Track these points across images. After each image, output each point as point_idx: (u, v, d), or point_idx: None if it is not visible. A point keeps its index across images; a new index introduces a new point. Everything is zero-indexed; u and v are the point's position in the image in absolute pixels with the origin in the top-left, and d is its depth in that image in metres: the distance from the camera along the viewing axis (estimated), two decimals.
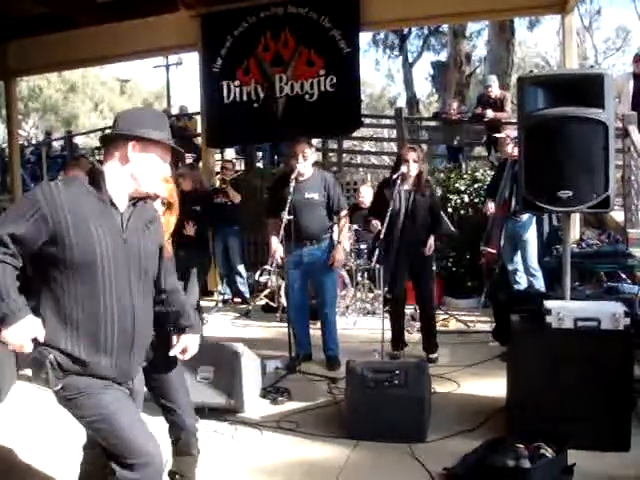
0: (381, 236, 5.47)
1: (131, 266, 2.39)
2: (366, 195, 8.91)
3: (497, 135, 7.87)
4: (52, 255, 2.27)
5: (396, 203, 5.67)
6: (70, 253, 2.25)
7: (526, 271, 6.69)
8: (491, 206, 6.86)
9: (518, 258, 6.80)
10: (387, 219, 5.45)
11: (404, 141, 11.18)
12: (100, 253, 2.28)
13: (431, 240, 5.77)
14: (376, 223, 5.66)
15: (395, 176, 5.67)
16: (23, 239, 2.23)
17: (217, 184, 8.81)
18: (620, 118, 7.72)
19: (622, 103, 9.11)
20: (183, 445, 3.21)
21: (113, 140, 2.43)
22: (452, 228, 7.50)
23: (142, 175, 2.41)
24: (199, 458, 3.30)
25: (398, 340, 6.01)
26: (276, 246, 5.63)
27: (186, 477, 3.24)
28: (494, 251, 6.59)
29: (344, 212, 5.88)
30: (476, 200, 8.65)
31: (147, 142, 2.40)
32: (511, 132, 7.04)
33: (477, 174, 9.18)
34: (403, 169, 5.66)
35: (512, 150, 6.54)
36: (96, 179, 2.38)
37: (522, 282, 6.80)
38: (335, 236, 5.96)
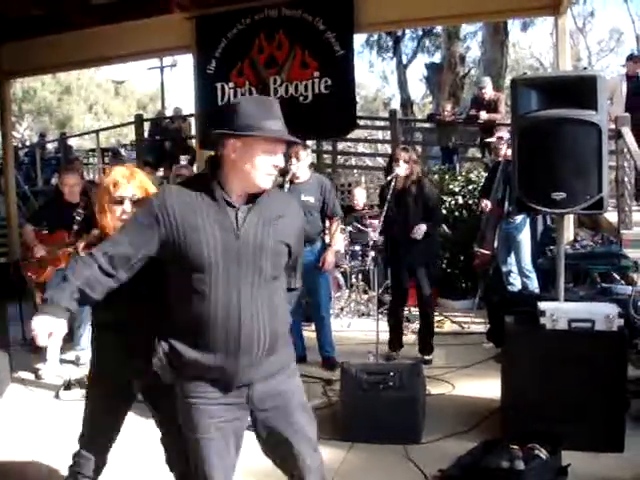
0: (375, 237, 5.49)
1: (243, 264, 2.27)
2: (360, 197, 8.93)
3: (489, 140, 7.86)
4: (165, 256, 2.31)
5: (392, 205, 5.69)
6: (180, 254, 2.25)
7: (520, 272, 6.70)
8: (486, 203, 6.82)
9: (512, 259, 6.82)
10: (382, 221, 5.47)
11: (398, 143, 11.21)
12: (207, 253, 2.23)
13: (422, 226, 5.68)
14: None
15: (389, 178, 5.71)
16: (125, 255, 2.29)
17: None
18: (613, 120, 7.74)
19: (615, 104, 9.14)
20: None
21: (220, 137, 2.35)
22: (445, 229, 7.51)
23: (248, 170, 2.30)
24: None
25: (395, 340, 6.01)
26: None
27: None
28: (488, 252, 6.60)
29: (337, 218, 5.94)
30: (470, 202, 8.66)
31: (246, 137, 2.28)
32: (503, 134, 7.05)
33: (471, 175, 9.20)
34: (397, 170, 5.69)
35: (506, 152, 6.55)
36: (210, 177, 2.34)
37: (516, 283, 6.81)
38: (327, 239, 5.98)
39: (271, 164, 2.31)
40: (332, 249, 5.87)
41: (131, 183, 2.74)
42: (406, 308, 6.60)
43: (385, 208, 5.60)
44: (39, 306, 2.28)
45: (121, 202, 2.72)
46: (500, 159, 6.78)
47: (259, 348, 2.31)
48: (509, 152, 5.86)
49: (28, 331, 6.94)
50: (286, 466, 2.52)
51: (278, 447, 2.47)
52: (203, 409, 2.34)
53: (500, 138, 6.90)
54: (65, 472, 3.00)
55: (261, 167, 2.29)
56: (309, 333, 6.21)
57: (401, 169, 5.71)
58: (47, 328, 2.20)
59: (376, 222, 6.21)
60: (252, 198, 2.34)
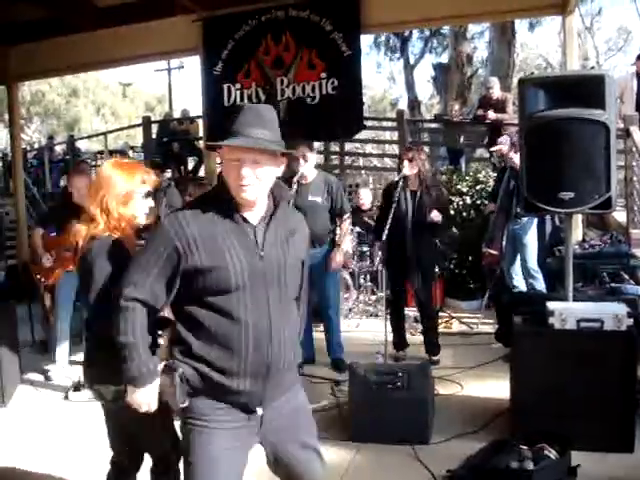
0: (383, 238, 5.47)
1: (269, 284, 2.22)
2: (365, 198, 8.92)
3: (493, 149, 7.81)
4: (189, 282, 2.18)
5: (401, 205, 5.69)
6: (204, 281, 2.15)
7: (526, 273, 6.67)
8: (491, 208, 6.81)
9: (517, 261, 6.79)
10: (389, 221, 5.46)
11: (406, 143, 11.20)
12: (235, 277, 2.15)
13: (438, 214, 5.66)
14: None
15: (397, 178, 5.72)
16: (152, 290, 2.21)
17: None
18: (622, 119, 7.72)
19: (625, 103, 9.11)
20: None
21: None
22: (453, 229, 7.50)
23: (229, 182, 2.22)
24: None
25: (399, 341, 6.01)
26: None
27: None
28: (496, 253, 6.58)
29: (347, 215, 5.91)
30: (478, 202, 8.64)
31: (222, 148, 2.23)
32: (504, 138, 7.00)
33: (479, 176, 9.18)
34: (404, 170, 5.70)
35: (511, 156, 6.51)
36: (223, 193, 2.24)
37: (519, 286, 6.77)
38: (337, 238, 5.97)
39: (236, 174, 2.17)
40: (340, 249, 5.85)
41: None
42: (413, 308, 6.59)
43: (393, 208, 5.59)
44: (132, 378, 2.24)
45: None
46: (507, 163, 6.74)
47: (284, 368, 2.28)
48: (516, 155, 5.83)
49: (37, 333, 6.99)
50: None
51: (287, 466, 2.43)
52: (216, 433, 2.23)
53: (502, 145, 6.82)
54: (72, 473, 3.01)
55: (231, 177, 2.20)
56: (318, 334, 6.22)
57: (406, 169, 5.71)
58: (152, 398, 2.28)
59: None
60: (268, 213, 2.28)
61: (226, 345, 2.17)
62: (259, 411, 2.27)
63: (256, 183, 2.18)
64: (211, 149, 9.57)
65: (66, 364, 5.96)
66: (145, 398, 2.26)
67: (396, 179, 5.75)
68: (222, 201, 2.22)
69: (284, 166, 2.34)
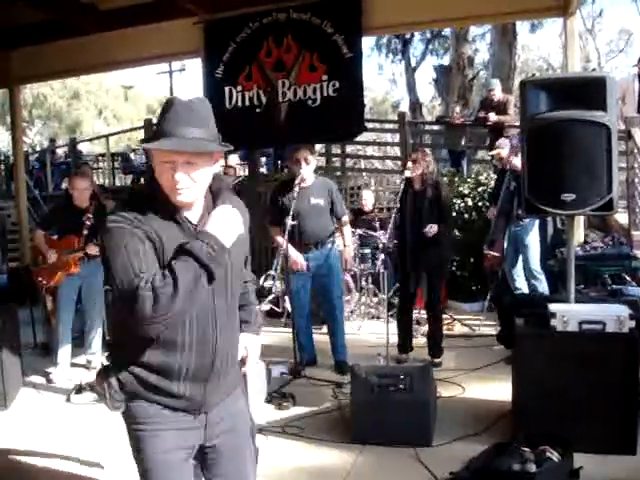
0: (384, 240, 5.49)
1: (217, 288, 2.09)
2: (368, 199, 8.92)
3: (492, 153, 7.80)
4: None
5: (406, 206, 5.72)
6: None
7: (529, 274, 6.67)
8: (493, 213, 6.82)
9: (519, 263, 6.78)
10: (392, 222, 5.49)
11: (407, 145, 11.21)
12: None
13: (435, 225, 5.65)
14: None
15: (398, 181, 5.74)
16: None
17: None
18: (623, 120, 7.72)
19: (627, 105, 9.12)
20: None
21: None
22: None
23: (161, 182, 2.07)
24: None
25: (405, 344, 6.01)
26: (295, 255, 5.65)
27: None
28: (498, 254, 6.58)
29: (346, 217, 6.04)
30: (480, 204, 8.64)
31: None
32: (503, 141, 7.00)
33: (481, 177, 9.18)
34: (405, 173, 5.74)
35: (510, 159, 6.52)
36: (160, 192, 2.08)
37: (522, 287, 6.77)
38: (339, 240, 6.03)
39: (169, 176, 2.02)
40: (348, 248, 6.08)
41: None
42: (416, 310, 6.59)
43: (395, 210, 5.62)
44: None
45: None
46: (506, 167, 6.73)
47: (225, 373, 2.22)
48: (517, 157, 5.84)
49: (39, 335, 6.98)
50: None
51: (222, 465, 2.31)
52: (164, 435, 2.13)
53: (501, 148, 6.82)
54: (74, 476, 3.01)
55: (164, 180, 2.04)
56: (319, 336, 6.22)
57: (408, 171, 5.74)
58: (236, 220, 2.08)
59: (387, 224, 6.21)
60: (205, 209, 2.14)
61: (167, 349, 2.07)
62: (202, 414, 2.19)
63: (192, 186, 2.04)
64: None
65: (68, 366, 5.96)
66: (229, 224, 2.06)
67: (398, 182, 5.78)
68: (160, 202, 2.06)
69: (222, 160, 2.22)
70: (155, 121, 2.08)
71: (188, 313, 2.01)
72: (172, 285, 1.90)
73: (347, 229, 6.09)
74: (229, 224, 2.04)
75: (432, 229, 5.64)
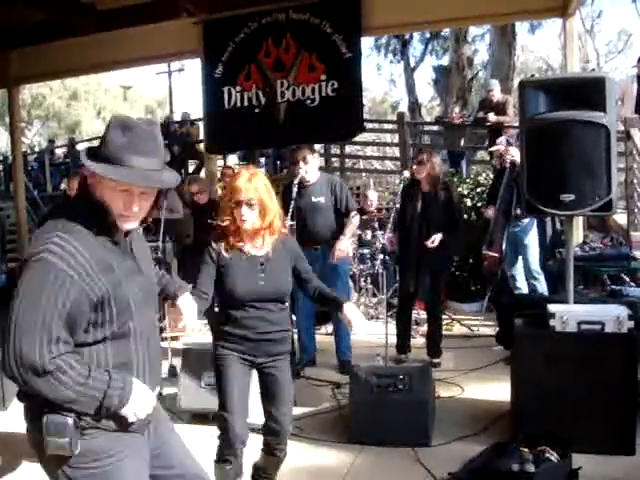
0: (384, 240, 5.48)
1: (150, 301, 2.17)
2: (373, 199, 8.92)
3: (492, 149, 7.83)
4: (92, 319, 1.96)
5: (412, 206, 5.72)
6: (110, 317, 1.97)
7: (528, 275, 6.67)
8: (490, 212, 6.83)
9: (519, 263, 6.78)
10: (391, 222, 5.49)
11: (406, 146, 11.21)
12: (134, 305, 2.02)
13: (438, 235, 5.64)
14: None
15: (397, 181, 5.73)
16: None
17: (219, 191, 8.85)
18: (622, 121, 7.72)
19: (625, 106, 9.11)
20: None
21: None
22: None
23: (105, 204, 2.01)
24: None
25: (403, 344, 6.00)
26: None
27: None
28: (497, 255, 6.58)
29: (354, 213, 5.80)
30: (479, 204, 8.65)
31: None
32: (502, 139, 7.01)
33: (480, 178, 9.19)
34: (405, 173, 5.74)
35: (509, 156, 6.52)
36: (95, 210, 2.01)
37: (522, 287, 6.77)
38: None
39: (122, 205, 1.99)
40: (345, 237, 5.66)
41: (248, 186, 2.96)
42: (415, 311, 6.59)
43: (395, 209, 5.61)
44: None
45: (238, 205, 2.97)
46: (506, 165, 6.73)
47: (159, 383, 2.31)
48: (515, 154, 5.84)
49: None
50: None
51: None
52: (128, 462, 2.06)
53: (501, 144, 6.83)
54: None
55: (113, 204, 1.99)
56: (319, 337, 6.22)
57: (416, 171, 5.73)
58: (147, 400, 2.09)
59: (387, 224, 6.16)
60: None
61: (124, 369, 2.03)
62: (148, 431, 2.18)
63: (140, 214, 2.05)
64: (212, 152, 9.60)
65: None
66: (142, 402, 2.05)
67: (397, 181, 5.76)
68: (100, 222, 1.99)
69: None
70: (107, 140, 2.04)
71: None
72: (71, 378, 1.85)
73: (351, 222, 5.75)
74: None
75: (434, 243, 5.63)
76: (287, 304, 3.23)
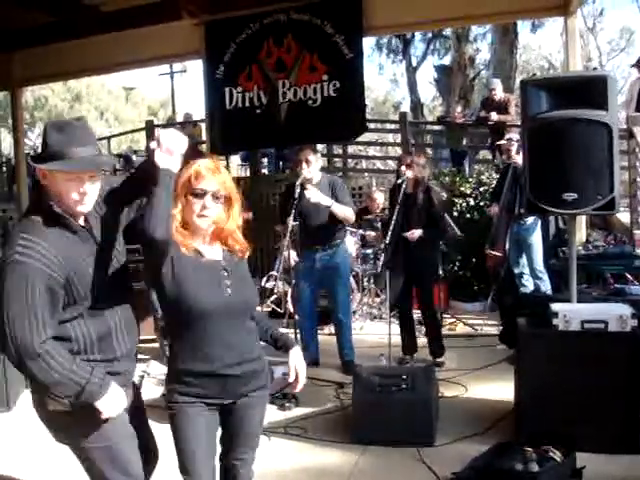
0: (386, 240, 5.46)
1: (116, 276, 2.43)
2: (380, 200, 8.91)
3: (499, 142, 7.85)
4: (65, 300, 2.26)
5: (394, 207, 5.71)
6: (79, 297, 2.27)
7: (532, 274, 6.67)
8: (494, 209, 6.85)
9: (524, 261, 6.79)
10: (391, 223, 5.47)
11: (408, 145, 11.20)
12: (98, 290, 2.31)
13: (418, 231, 5.66)
14: None
15: (399, 181, 5.71)
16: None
17: None
18: (625, 119, 7.71)
19: (629, 107, 9.06)
20: None
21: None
22: (458, 232, 7.47)
23: (60, 196, 2.29)
24: None
25: (409, 344, 5.99)
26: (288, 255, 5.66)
27: None
28: (500, 254, 6.58)
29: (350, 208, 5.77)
30: (482, 203, 8.65)
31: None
32: (513, 135, 7.03)
33: (482, 177, 9.18)
34: (407, 174, 5.70)
35: (515, 155, 6.54)
36: (51, 206, 2.26)
37: (528, 285, 6.78)
38: (347, 241, 5.95)
39: (76, 191, 2.24)
40: (316, 191, 5.50)
41: (215, 177, 2.45)
42: (417, 311, 6.57)
43: (396, 211, 5.60)
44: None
45: (202, 196, 2.43)
46: (511, 161, 6.74)
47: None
48: (519, 156, 5.85)
49: None
50: None
51: None
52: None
53: (510, 140, 6.86)
54: (79, 477, 3.00)
55: (69, 194, 2.24)
56: (321, 337, 6.21)
57: (404, 173, 5.72)
58: (119, 400, 2.37)
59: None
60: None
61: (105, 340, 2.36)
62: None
63: (92, 196, 2.30)
64: (214, 153, 9.58)
65: None
66: (113, 402, 2.35)
67: (399, 181, 5.73)
68: (56, 219, 2.25)
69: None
70: (47, 141, 2.13)
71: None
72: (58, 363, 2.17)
73: (345, 207, 5.65)
74: None
75: (413, 235, 5.66)
76: (254, 324, 2.66)
